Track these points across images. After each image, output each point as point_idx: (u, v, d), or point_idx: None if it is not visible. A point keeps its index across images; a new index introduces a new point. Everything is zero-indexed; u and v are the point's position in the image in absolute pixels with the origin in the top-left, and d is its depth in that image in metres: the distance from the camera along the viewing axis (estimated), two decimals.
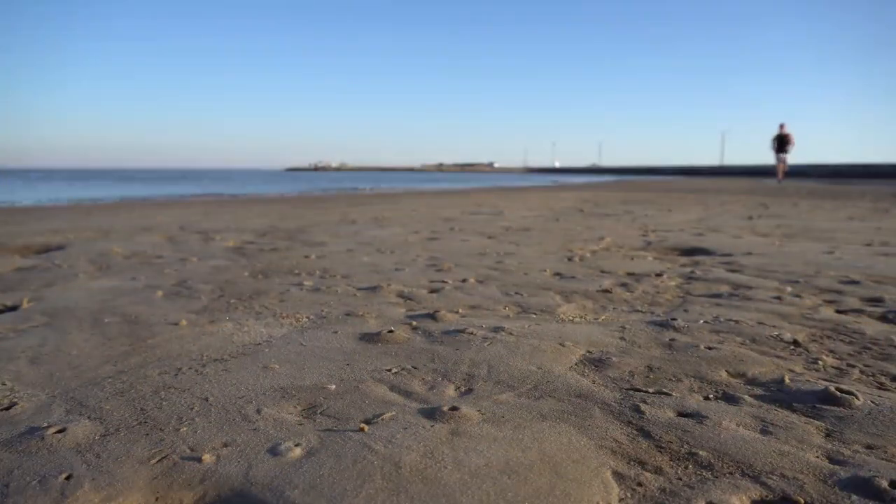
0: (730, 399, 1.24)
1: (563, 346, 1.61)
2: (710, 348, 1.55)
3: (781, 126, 16.74)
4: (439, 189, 17.54)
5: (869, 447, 1.02)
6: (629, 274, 2.72)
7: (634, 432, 1.09)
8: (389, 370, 1.43)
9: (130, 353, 1.58)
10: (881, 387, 1.31)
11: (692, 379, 1.36)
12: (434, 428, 1.09)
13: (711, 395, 1.26)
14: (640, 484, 0.92)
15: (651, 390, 1.29)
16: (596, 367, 1.45)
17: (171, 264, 3.08)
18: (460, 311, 2.04)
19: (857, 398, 1.20)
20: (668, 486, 0.90)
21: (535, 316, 1.98)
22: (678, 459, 0.99)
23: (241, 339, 1.70)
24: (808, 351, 1.56)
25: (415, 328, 1.80)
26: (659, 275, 2.67)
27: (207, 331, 1.79)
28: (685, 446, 1.03)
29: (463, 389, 1.31)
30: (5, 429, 1.11)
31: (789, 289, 2.32)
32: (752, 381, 1.35)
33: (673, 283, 2.48)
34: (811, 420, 1.13)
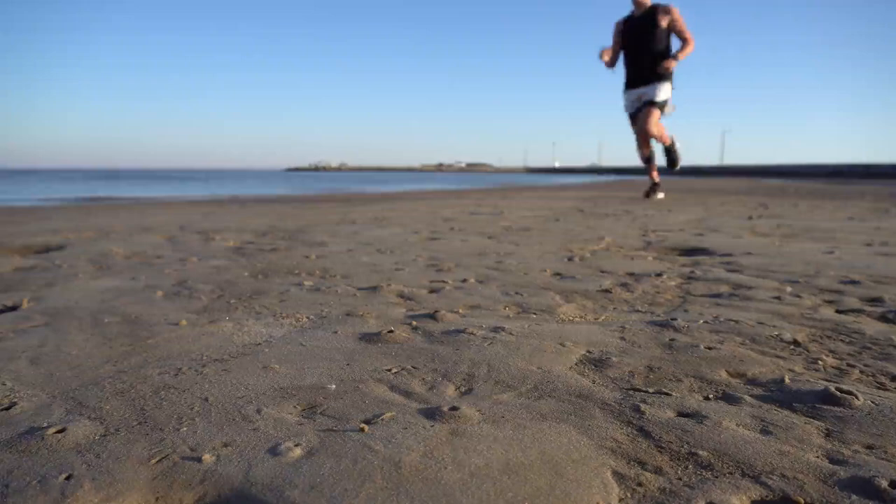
0: (730, 399, 1.24)
1: (563, 346, 1.61)
2: (710, 348, 1.55)
3: None
4: (439, 189, 17.54)
5: (869, 447, 1.02)
6: (629, 274, 2.72)
7: (634, 432, 1.09)
8: (389, 370, 1.43)
9: (130, 353, 1.58)
10: (881, 387, 1.31)
11: (692, 379, 1.36)
12: (434, 428, 1.09)
13: (711, 395, 1.26)
14: (640, 484, 0.92)
15: (651, 390, 1.29)
16: (596, 367, 1.45)
17: (171, 264, 3.08)
18: (460, 311, 2.04)
19: (857, 398, 1.20)
20: (668, 486, 0.90)
21: (535, 316, 1.98)
22: (678, 459, 0.99)
23: (241, 339, 1.70)
24: (808, 351, 1.56)
25: (415, 328, 1.80)
26: (659, 275, 2.67)
27: (207, 331, 1.79)
28: (685, 446, 1.03)
29: (463, 389, 1.31)
30: (5, 429, 1.11)
31: (789, 289, 2.32)
32: (752, 381, 1.35)
33: (673, 283, 2.48)
34: (811, 420, 1.13)
